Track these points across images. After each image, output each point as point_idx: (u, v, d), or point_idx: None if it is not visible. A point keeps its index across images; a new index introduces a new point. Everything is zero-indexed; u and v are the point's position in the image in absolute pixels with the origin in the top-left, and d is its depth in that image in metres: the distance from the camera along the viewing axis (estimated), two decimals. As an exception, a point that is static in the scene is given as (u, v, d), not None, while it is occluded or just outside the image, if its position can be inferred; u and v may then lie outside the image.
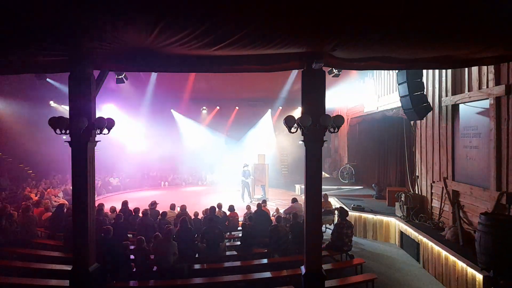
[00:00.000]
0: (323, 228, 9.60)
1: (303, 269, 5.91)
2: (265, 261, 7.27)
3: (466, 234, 7.48)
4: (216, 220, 7.97)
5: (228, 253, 7.72)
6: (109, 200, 13.51)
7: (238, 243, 8.12)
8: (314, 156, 5.80)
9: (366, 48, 5.25)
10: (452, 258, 6.70)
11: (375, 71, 13.18)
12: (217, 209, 9.09)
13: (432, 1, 3.76)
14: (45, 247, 8.05)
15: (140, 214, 8.70)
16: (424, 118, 9.27)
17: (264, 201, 10.13)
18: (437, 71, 9.10)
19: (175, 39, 4.51)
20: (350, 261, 7.55)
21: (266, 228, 7.99)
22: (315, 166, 5.82)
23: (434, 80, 9.30)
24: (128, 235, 8.22)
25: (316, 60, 5.46)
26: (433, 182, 9.39)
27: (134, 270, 6.61)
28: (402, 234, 9.29)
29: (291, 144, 19.73)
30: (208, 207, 8.90)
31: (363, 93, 14.68)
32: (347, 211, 8.20)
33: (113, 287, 6.07)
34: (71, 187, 5.98)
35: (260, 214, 8.82)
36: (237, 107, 20.49)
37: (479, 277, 5.85)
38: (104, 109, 17.13)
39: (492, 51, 5.55)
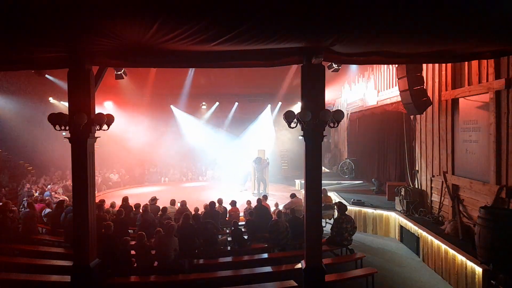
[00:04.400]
0: (323, 223, 9.63)
1: (303, 263, 5.93)
2: (265, 255, 7.29)
3: (466, 228, 7.50)
4: (212, 215, 8.00)
5: (228, 248, 7.75)
6: (109, 196, 13.53)
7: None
8: (314, 151, 5.80)
9: (365, 43, 5.23)
10: (451, 252, 6.73)
11: (374, 65, 13.14)
12: (217, 204, 9.11)
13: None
14: (46, 243, 8.07)
15: (141, 210, 8.72)
16: (424, 113, 9.26)
17: (265, 196, 10.15)
18: (437, 65, 9.07)
19: (174, 35, 4.48)
20: (350, 255, 7.58)
21: (266, 223, 8.01)
22: (315, 161, 5.82)
23: (434, 74, 9.27)
24: (129, 230, 8.25)
25: (315, 55, 5.44)
26: (433, 176, 9.40)
27: (135, 265, 6.63)
28: (402, 228, 9.32)
29: (291, 139, 19.74)
30: (208, 203, 8.92)
31: (363, 88, 14.67)
32: (346, 206, 8.20)
33: (114, 282, 6.09)
34: (71, 183, 5.99)
35: (260, 209, 8.83)
36: (237, 103, 20.45)
37: (478, 270, 5.88)
38: (103, 105, 17.15)
39: (489, 46, 5.54)
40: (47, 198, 10.96)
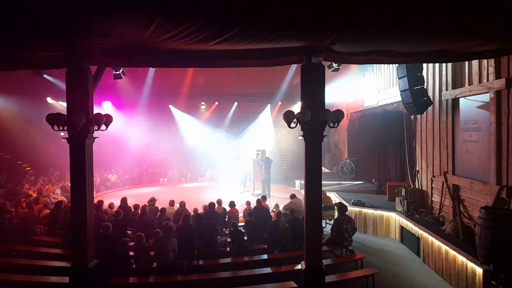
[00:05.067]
0: (323, 224, 9.60)
1: (303, 264, 5.90)
2: (265, 256, 7.26)
3: (466, 228, 7.47)
4: (211, 216, 7.94)
5: (227, 249, 7.71)
6: (108, 197, 13.49)
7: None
8: (314, 151, 5.77)
9: (365, 42, 5.20)
10: (452, 252, 6.70)
11: (375, 65, 13.11)
12: (216, 205, 9.07)
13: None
14: (44, 244, 8.02)
15: (139, 211, 8.68)
16: (424, 113, 9.24)
17: (264, 197, 10.10)
18: (437, 65, 9.05)
19: (172, 34, 4.45)
20: (350, 256, 7.55)
21: (266, 224, 7.97)
22: (315, 161, 5.79)
23: (434, 74, 9.25)
24: (127, 231, 8.20)
25: (315, 54, 5.41)
26: (433, 176, 9.37)
27: (134, 266, 6.59)
28: (402, 229, 9.29)
29: (291, 139, 19.68)
30: (207, 203, 8.88)
31: (363, 88, 14.63)
32: (346, 206, 8.16)
33: (112, 283, 6.05)
34: (69, 184, 5.95)
35: (259, 210, 8.79)
36: (236, 103, 20.39)
37: (479, 271, 5.84)
38: (102, 105, 17.09)
39: (489, 45, 5.51)
40: (45, 199, 10.90)
